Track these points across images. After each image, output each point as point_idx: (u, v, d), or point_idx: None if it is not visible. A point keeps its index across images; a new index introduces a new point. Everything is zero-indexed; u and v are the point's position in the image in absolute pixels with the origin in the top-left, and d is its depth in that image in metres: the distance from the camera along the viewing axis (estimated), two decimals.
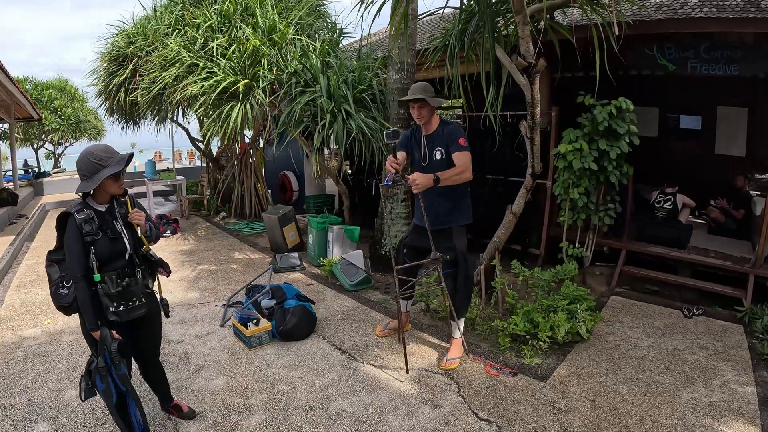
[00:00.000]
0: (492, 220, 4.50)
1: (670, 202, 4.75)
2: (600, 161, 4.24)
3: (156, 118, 8.31)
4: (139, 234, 2.34)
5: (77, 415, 2.67)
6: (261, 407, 2.76)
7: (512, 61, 3.43)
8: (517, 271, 4.03)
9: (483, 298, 4.22)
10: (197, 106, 5.10)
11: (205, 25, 5.67)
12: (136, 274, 2.32)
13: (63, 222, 2.22)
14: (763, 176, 5.33)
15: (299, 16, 5.83)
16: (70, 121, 15.27)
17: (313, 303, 4.12)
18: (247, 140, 8.45)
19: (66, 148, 17.59)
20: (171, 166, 13.03)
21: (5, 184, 10.05)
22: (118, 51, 7.22)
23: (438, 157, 3.09)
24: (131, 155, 2.36)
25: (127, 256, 2.29)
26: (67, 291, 2.26)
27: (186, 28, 5.92)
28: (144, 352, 2.51)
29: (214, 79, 5.04)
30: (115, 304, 2.24)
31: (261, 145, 9.19)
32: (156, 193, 10.83)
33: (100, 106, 8.28)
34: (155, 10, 7.20)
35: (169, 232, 7.24)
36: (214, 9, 5.89)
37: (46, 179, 12.43)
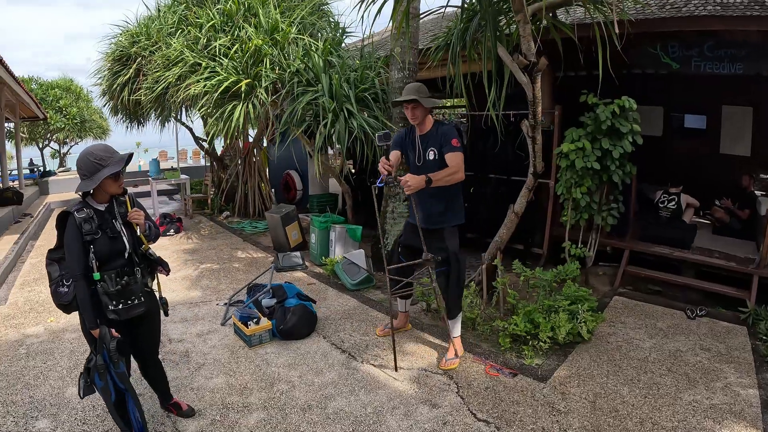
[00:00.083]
0: (495, 220, 4.48)
1: (674, 202, 4.70)
2: (603, 160, 4.21)
3: (160, 118, 8.35)
4: (138, 233, 2.35)
5: (77, 413, 2.69)
6: (260, 406, 2.77)
7: (513, 59, 3.41)
8: (519, 271, 4.02)
9: (485, 298, 4.21)
10: (200, 106, 5.12)
11: (208, 25, 5.69)
12: (135, 272, 2.33)
13: (63, 221, 2.23)
14: None
15: (302, 16, 5.83)
16: (75, 121, 15.38)
17: (314, 302, 4.12)
18: (251, 139, 8.48)
19: (71, 147, 17.75)
20: (175, 165, 13.10)
21: (10, 183, 10.15)
22: (121, 51, 7.26)
23: (431, 157, 3.11)
24: (130, 155, 2.37)
25: (126, 255, 2.31)
26: (66, 289, 2.28)
27: (189, 27, 5.94)
28: (143, 350, 2.52)
29: (216, 79, 5.05)
30: (114, 302, 2.25)
31: (265, 144, 9.21)
32: (160, 192, 10.90)
33: (105, 105, 8.34)
34: (159, 10, 7.23)
35: (172, 230, 7.28)
36: (217, 9, 5.90)
37: (51, 178, 12.53)
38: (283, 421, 2.62)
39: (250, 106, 5.02)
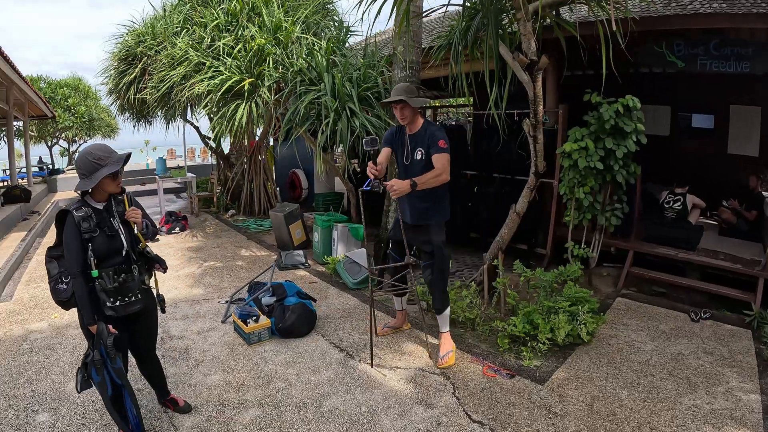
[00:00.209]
0: (498, 219, 4.45)
1: (679, 203, 4.63)
2: (606, 160, 4.16)
3: (165, 117, 8.42)
4: (136, 231, 2.38)
5: (77, 407, 2.73)
6: (255, 403, 2.78)
7: (514, 58, 3.38)
8: (519, 272, 3.99)
9: (486, 298, 4.19)
10: (203, 105, 5.16)
11: (212, 24, 5.73)
12: (132, 270, 2.36)
13: (62, 219, 2.27)
14: None
15: (305, 15, 5.84)
16: (84, 119, 15.55)
17: (314, 301, 4.13)
18: (256, 138, 8.52)
19: (80, 145, 17.96)
20: (183, 164, 13.21)
21: (19, 181, 10.31)
22: (127, 50, 7.34)
23: (418, 157, 3.14)
24: (128, 155, 2.40)
25: (124, 252, 2.33)
26: (65, 286, 2.32)
27: (194, 27, 5.98)
28: (140, 346, 2.55)
29: (219, 78, 5.08)
30: (111, 299, 2.28)
31: (271, 143, 9.25)
32: (168, 191, 11.01)
33: (112, 104, 8.43)
34: (164, 10, 7.30)
35: (177, 228, 7.35)
36: (222, 8, 5.94)
37: (59, 176, 12.69)
38: (278, 418, 2.63)
39: (253, 105, 5.04)
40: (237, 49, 5.34)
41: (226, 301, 4.36)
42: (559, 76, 4.94)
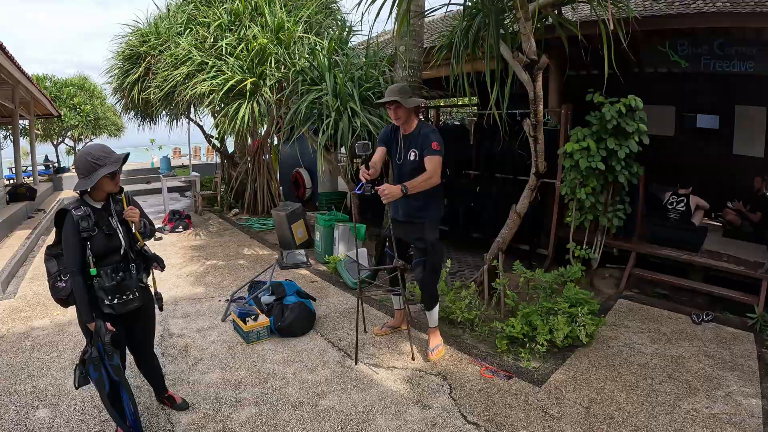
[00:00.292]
0: (500, 220, 4.42)
1: (682, 204, 4.58)
2: (608, 161, 4.13)
3: (169, 116, 8.48)
4: (134, 230, 2.40)
5: (77, 403, 2.76)
6: (252, 401, 2.80)
7: (514, 57, 3.37)
8: (519, 272, 3.97)
9: (486, 299, 4.18)
10: (206, 104, 5.19)
11: (215, 24, 5.76)
12: (130, 269, 2.38)
13: (61, 218, 2.29)
14: None
15: (308, 14, 5.85)
16: (89, 118, 15.68)
17: (314, 300, 4.14)
18: (260, 137, 8.55)
19: (86, 144, 18.08)
20: (188, 163, 13.29)
21: (24, 179, 10.41)
22: (132, 50, 7.40)
23: (412, 158, 3.14)
24: (127, 155, 2.43)
25: (122, 251, 2.35)
26: (64, 284, 2.34)
27: (197, 27, 6.02)
28: (138, 344, 2.57)
29: (221, 78, 5.10)
30: (109, 297, 2.30)
31: (276, 142, 9.27)
32: (172, 189, 11.08)
33: (116, 103, 8.49)
34: (168, 9, 7.34)
35: (181, 227, 7.39)
36: (225, 8, 5.96)
37: (65, 174, 12.79)
38: (273, 417, 2.64)
39: (255, 104, 5.05)
40: (239, 48, 5.36)
41: (227, 300, 4.37)
42: (563, 76, 4.91)
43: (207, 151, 19.76)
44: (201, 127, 9.26)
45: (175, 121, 8.76)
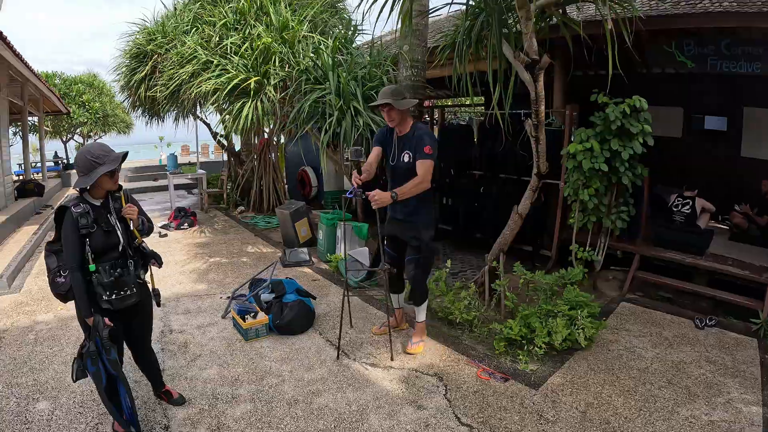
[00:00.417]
0: (504, 220, 4.40)
1: (688, 206, 4.51)
2: (612, 162, 4.08)
3: (176, 113, 8.55)
4: (132, 228, 2.43)
5: (76, 396, 2.80)
6: (248, 398, 2.82)
7: (515, 57, 3.34)
8: (519, 274, 3.94)
9: (486, 300, 4.16)
10: (210, 103, 5.23)
11: (220, 23, 5.79)
12: (128, 265, 2.41)
13: (61, 215, 2.33)
14: None
15: (313, 13, 5.86)
16: (98, 115, 15.86)
17: (314, 298, 4.16)
18: (266, 136, 8.59)
19: (95, 140, 18.28)
20: (195, 160, 13.39)
21: (33, 175, 10.55)
22: (138, 48, 7.48)
23: (405, 159, 3.16)
24: (125, 154, 2.46)
25: (120, 248, 2.39)
26: (63, 279, 2.38)
27: (203, 26, 6.06)
28: (136, 339, 2.61)
29: (226, 77, 5.14)
30: (108, 293, 2.33)
31: (282, 140, 9.30)
32: (180, 186, 11.19)
33: (124, 101, 8.58)
34: (175, 8, 7.41)
35: (186, 224, 7.46)
36: (230, 7, 6.00)
37: (74, 170, 12.95)
38: (268, 413, 2.66)
39: (259, 103, 5.08)
40: (244, 47, 5.39)
41: (228, 297, 4.40)
42: (567, 76, 4.86)
43: (215, 149, 19.91)
44: (208, 125, 9.33)
45: (182, 118, 8.84)
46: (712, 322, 3.66)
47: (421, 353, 3.37)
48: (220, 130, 8.44)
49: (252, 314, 3.67)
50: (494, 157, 5.63)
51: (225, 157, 10.32)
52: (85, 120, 15.64)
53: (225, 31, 5.76)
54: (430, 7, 4.76)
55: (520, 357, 3.25)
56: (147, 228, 2.56)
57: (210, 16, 6.08)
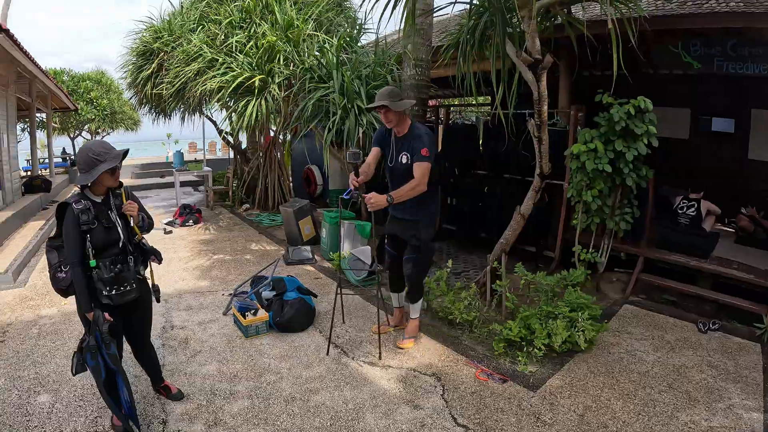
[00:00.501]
0: (507, 220, 4.38)
1: (693, 209, 4.46)
2: (616, 163, 4.04)
3: (182, 111, 8.60)
4: (132, 224, 2.45)
5: (77, 390, 2.84)
6: (245, 394, 2.83)
7: (518, 56, 3.32)
8: (521, 275, 3.92)
9: (488, 300, 4.14)
10: (215, 101, 5.26)
11: (226, 21, 5.82)
12: (128, 261, 2.44)
13: (62, 212, 2.36)
14: None
15: (318, 12, 5.87)
16: (106, 112, 16.00)
17: (315, 296, 4.16)
18: (272, 134, 8.62)
19: (103, 137, 18.43)
20: (202, 158, 13.50)
21: (41, 171, 10.67)
22: (145, 46, 7.54)
23: (404, 161, 3.16)
24: (126, 151, 2.48)
25: (120, 244, 2.41)
26: (64, 275, 2.41)
27: (209, 24, 6.09)
28: (135, 335, 2.63)
29: (230, 75, 5.16)
30: (108, 288, 2.36)
31: (288, 138, 9.32)
32: (186, 183, 11.25)
33: (131, 98, 8.65)
34: (182, 6, 7.45)
35: (191, 221, 7.50)
36: (236, 5, 6.03)
37: None
38: (264, 410, 2.67)
39: (263, 101, 5.10)
40: (249, 45, 5.41)
41: (230, 294, 4.43)
42: (572, 76, 4.82)
43: (223, 147, 20.02)
44: (214, 123, 9.38)
45: (188, 116, 8.89)
46: (716, 326, 3.61)
47: (412, 349, 3.39)
48: (225, 127, 8.48)
49: (252, 311, 3.69)
50: (498, 157, 5.60)
51: (232, 155, 10.37)
52: (93, 117, 15.78)
53: (230, 30, 5.79)
54: (435, 6, 4.75)
55: (520, 358, 3.23)
56: (147, 225, 2.58)
57: (216, 14, 6.11)
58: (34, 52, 6.75)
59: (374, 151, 3.26)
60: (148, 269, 2.61)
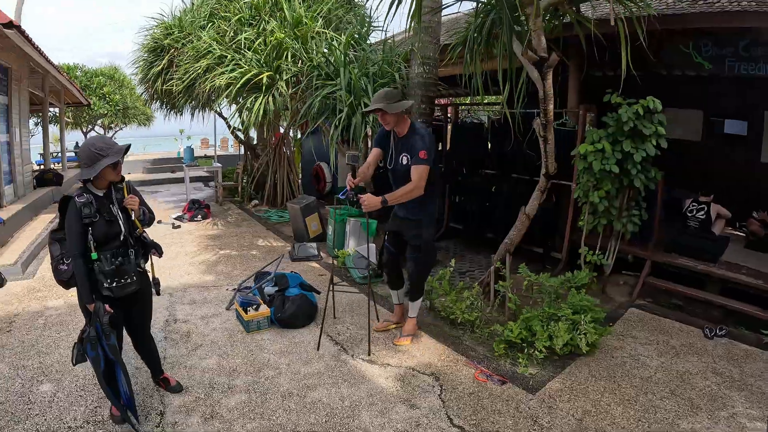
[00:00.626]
0: (514, 220, 4.33)
1: (703, 212, 4.37)
2: (624, 164, 3.98)
3: (191, 106, 8.69)
4: (133, 218, 2.48)
5: (79, 380, 2.89)
6: (243, 388, 2.85)
7: (523, 55, 3.28)
8: (524, 275, 3.88)
9: (491, 301, 4.11)
10: (223, 97, 5.30)
11: (235, 18, 5.86)
12: (129, 254, 2.47)
13: (64, 205, 2.40)
14: None
15: (327, 9, 5.88)
16: (118, 107, 16.22)
17: (318, 293, 4.17)
18: (281, 130, 8.66)
19: (116, 132, 18.62)
20: (213, 153, 13.58)
21: (53, 165, 10.85)
22: (156, 42, 7.62)
23: (404, 162, 3.15)
24: (128, 146, 2.52)
25: (121, 237, 2.45)
26: (66, 267, 2.46)
27: (219, 21, 6.14)
28: (135, 327, 2.67)
29: (238, 71, 5.19)
30: (108, 280, 2.40)
31: (299, 135, 9.36)
32: (197, 179, 11.36)
33: (142, 94, 8.76)
34: (193, 3, 7.52)
35: (199, 216, 7.58)
36: (245, 2, 6.06)
37: None
38: (261, 405, 2.69)
39: (270, 98, 5.12)
40: (257, 42, 5.44)
41: (234, 289, 4.46)
42: (582, 75, 4.75)
43: (234, 143, 20.16)
44: (225, 119, 9.46)
45: (198, 112, 8.98)
46: (722, 332, 3.54)
47: (412, 348, 3.38)
48: (235, 123, 8.54)
49: (254, 306, 3.72)
50: (506, 157, 5.55)
51: (242, 151, 10.46)
52: (106, 112, 16.02)
53: (239, 26, 5.83)
54: (443, 4, 4.71)
55: (520, 360, 3.20)
56: (148, 218, 2.62)
57: (226, 11, 6.15)
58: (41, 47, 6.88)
59: (374, 152, 3.26)
60: (149, 262, 2.64)
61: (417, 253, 3.29)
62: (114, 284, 2.41)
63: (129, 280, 2.46)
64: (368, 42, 6.08)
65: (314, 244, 5.91)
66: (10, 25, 4.98)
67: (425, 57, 4.85)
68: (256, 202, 8.95)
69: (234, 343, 3.43)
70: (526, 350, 3.27)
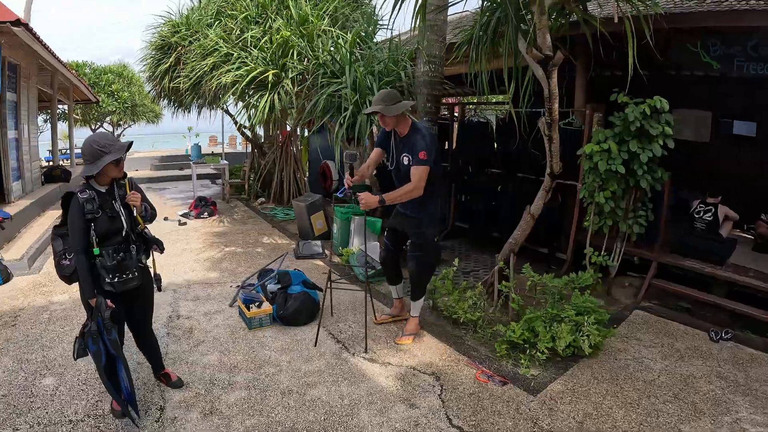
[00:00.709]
0: (519, 220, 4.31)
1: (710, 213, 4.31)
2: (630, 164, 3.93)
3: (198, 104, 8.74)
4: (135, 214, 2.50)
5: (81, 374, 2.92)
6: (243, 385, 2.86)
7: (528, 53, 3.25)
8: (528, 276, 3.86)
9: (495, 300, 4.09)
10: (229, 94, 5.33)
11: (242, 16, 5.88)
12: (131, 249, 2.49)
13: (67, 201, 2.42)
14: None
15: (334, 7, 5.87)
16: (126, 105, 16.36)
17: (321, 291, 4.17)
18: (288, 128, 8.68)
19: (125, 129, 18.78)
20: (221, 151, 13.67)
21: (61, 162, 10.96)
22: (163, 40, 7.67)
23: (405, 162, 3.15)
24: (130, 143, 2.54)
25: (123, 233, 2.47)
26: (68, 262, 2.48)
27: (226, 19, 6.17)
28: (137, 322, 2.69)
29: (244, 69, 5.21)
30: (110, 275, 2.42)
31: (306, 133, 9.38)
32: (204, 176, 11.44)
33: (149, 91, 8.83)
34: (200, 1, 7.56)
35: (206, 213, 7.62)
36: (252, 0, 6.08)
37: None
38: (260, 402, 2.70)
39: (276, 96, 5.13)
40: (263, 40, 5.45)
41: (237, 286, 4.48)
42: (589, 74, 4.70)
43: (242, 141, 20.27)
44: (232, 117, 9.51)
45: (205, 109, 9.03)
46: (728, 335, 3.48)
47: (413, 347, 3.37)
48: (241, 120, 8.57)
49: (257, 303, 3.73)
50: (512, 156, 5.52)
51: (250, 149, 10.51)
52: (114, 109, 16.15)
53: (246, 24, 5.85)
54: (449, 2, 4.69)
55: (522, 361, 3.18)
56: (150, 215, 2.63)
57: (233, 9, 6.17)
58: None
59: (376, 152, 3.27)
60: (150, 258, 2.66)
61: (418, 251, 3.29)
62: (116, 279, 2.43)
63: (130, 276, 2.48)
64: (374, 40, 6.07)
65: (319, 242, 5.92)
66: (18, 22, 5.04)
67: (431, 55, 4.83)
68: (263, 199, 8.98)
69: (236, 340, 3.45)
70: (528, 351, 3.24)
